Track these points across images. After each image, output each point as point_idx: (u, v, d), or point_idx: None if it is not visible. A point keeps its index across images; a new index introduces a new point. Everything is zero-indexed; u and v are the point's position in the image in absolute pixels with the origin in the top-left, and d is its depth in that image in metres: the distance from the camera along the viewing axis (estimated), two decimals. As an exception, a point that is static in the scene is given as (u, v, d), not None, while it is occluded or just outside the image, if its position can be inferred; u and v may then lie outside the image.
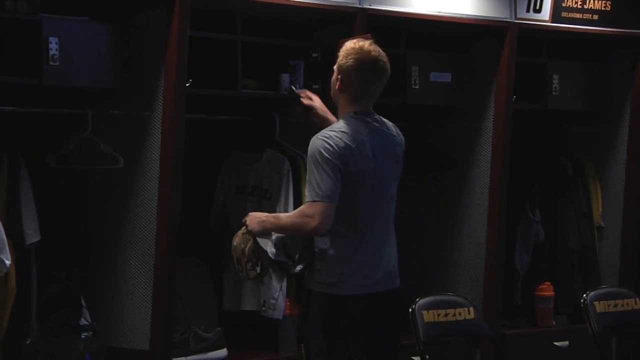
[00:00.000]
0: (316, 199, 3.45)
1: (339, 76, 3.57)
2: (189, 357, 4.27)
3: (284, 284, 4.45)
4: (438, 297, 4.22)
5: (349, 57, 3.55)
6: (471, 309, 4.20)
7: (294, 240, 3.58)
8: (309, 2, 4.43)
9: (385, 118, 3.70)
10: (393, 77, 4.87)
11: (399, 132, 3.74)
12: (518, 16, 5.05)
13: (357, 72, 3.54)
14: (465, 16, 4.90)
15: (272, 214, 3.72)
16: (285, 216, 3.64)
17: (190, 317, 4.37)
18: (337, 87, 3.59)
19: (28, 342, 3.94)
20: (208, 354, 4.31)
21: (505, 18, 5.02)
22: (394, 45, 4.96)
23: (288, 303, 4.48)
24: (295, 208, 4.37)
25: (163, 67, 4.08)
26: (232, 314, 4.59)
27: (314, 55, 4.38)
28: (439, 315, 4.11)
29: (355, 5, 4.54)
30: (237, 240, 3.66)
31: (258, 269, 3.61)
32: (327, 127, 3.63)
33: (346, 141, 3.52)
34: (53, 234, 4.18)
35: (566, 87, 5.38)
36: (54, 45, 3.86)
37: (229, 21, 4.46)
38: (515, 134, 5.18)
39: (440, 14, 4.82)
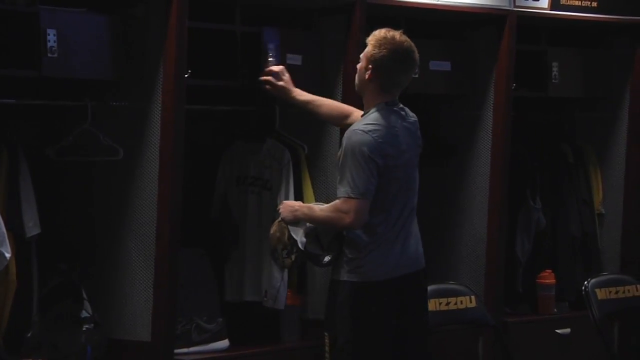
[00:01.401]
0: (352, 195, 3.49)
1: (370, 65, 3.56)
2: (190, 348, 4.27)
3: (285, 274, 4.45)
4: (440, 286, 4.23)
5: (382, 47, 3.56)
6: (473, 297, 4.21)
7: (326, 231, 3.61)
8: (306, -8, 4.42)
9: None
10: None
11: (413, 114, 3.78)
12: (517, 4, 5.04)
13: (391, 62, 3.57)
14: (464, 4, 4.89)
15: (306, 205, 3.77)
16: (319, 209, 3.66)
17: (192, 308, 4.37)
18: (367, 76, 3.60)
19: (30, 335, 3.94)
20: (210, 344, 4.32)
21: (504, 6, 5.01)
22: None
23: (289, 293, 4.48)
24: (295, 199, 4.38)
25: (162, 58, 4.07)
26: (233, 304, 4.59)
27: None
28: (440, 304, 4.12)
29: (354, -5, 4.53)
30: (273, 228, 3.70)
31: (293, 257, 3.64)
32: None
33: (385, 135, 3.56)
34: (54, 226, 4.17)
35: (566, 75, 5.37)
36: (52, 37, 3.85)
37: (228, 11, 4.44)
38: (516, 121, 5.17)
39: (439, 2, 4.80)
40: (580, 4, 5.28)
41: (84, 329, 4.02)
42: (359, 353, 3.54)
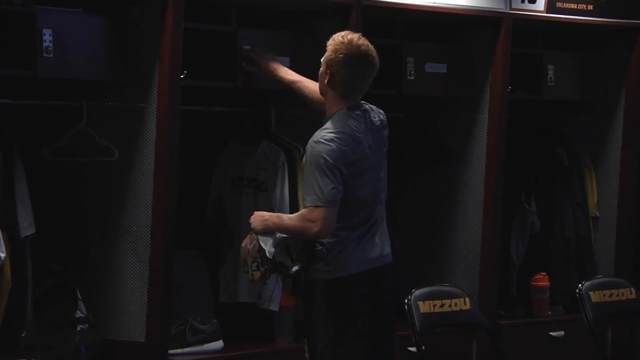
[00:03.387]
0: (318, 204, 3.47)
1: (328, 70, 3.54)
2: (185, 349, 4.27)
3: (280, 275, 4.44)
4: (434, 288, 4.22)
5: (338, 52, 3.52)
6: (467, 299, 4.20)
7: (296, 242, 3.61)
8: (303, -6, 4.42)
9: (381, 109, 3.69)
10: (388, 68, 4.91)
11: (381, 112, 3.73)
12: (513, 7, 5.05)
13: (346, 67, 3.51)
14: (460, 7, 4.89)
15: (276, 214, 3.75)
16: (288, 218, 3.66)
17: (187, 309, 4.37)
18: (325, 81, 3.56)
19: (24, 335, 3.94)
20: (204, 345, 4.32)
21: (500, 9, 5.01)
22: (389, 36, 4.95)
23: (284, 295, 4.48)
24: (290, 200, 4.38)
25: (158, 58, 4.07)
26: (228, 305, 4.59)
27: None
28: (434, 306, 4.12)
29: (350, -3, 4.53)
30: (245, 240, 3.68)
31: (262, 269, 3.62)
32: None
33: (348, 143, 3.52)
34: (49, 226, 4.17)
35: (561, 78, 5.37)
36: (47, 37, 3.84)
37: (224, 12, 4.44)
38: (511, 124, 5.17)
39: (435, 4, 4.81)
40: (576, 7, 5.29)
41: (78, 329, 4.02)
42: (340, 350, 3.54)
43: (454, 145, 5.16)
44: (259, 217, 3.64)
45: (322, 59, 3.59)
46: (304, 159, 3.65)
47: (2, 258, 3.80)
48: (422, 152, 5.16)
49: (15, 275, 3.91)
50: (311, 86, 3.99)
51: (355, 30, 4.46)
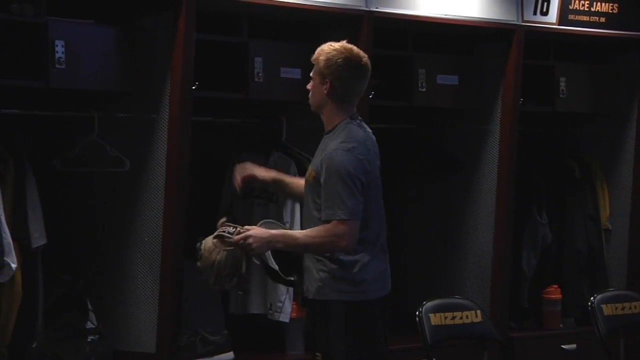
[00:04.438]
0: (344, 217, 3.38)
1: (327, 80, 3.48)
2: (195, 360, 4.27)
3: (291, 287, 4.44)
4: (445, 300, 4.20)
5: (335, 58, 3.48)
6: (478, 311, 4.18)
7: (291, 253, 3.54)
8: (315, 5, 4.42)
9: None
10: (399, 80, 4.93)
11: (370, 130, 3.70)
12: (525, 19, 5.04)
13: (347, 70, 3.48)
14: (472, 19, 4.89)
15: (280, 232, 3.53)
16: (302, 235, 3.47)
17: (197, 320, 4.36)
18: (325, 91, 3.49)
19: (34, 346, 3.94)
20: (214, 357, 4.31)
21: (512, 21, 5.01)
22: (400, 48, 4.96)
23: (295, 306, 4.47)
24: (301, 211, 4.36)
25: (169, 69, 4.08)
26: (238, 317, 4.58)
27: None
28: (446, 318, 4.09)
29: (361, 8, 4.54)
30: (220, 255, 3.52)
31: (235, 280, 3.53)
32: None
33: (363, 152, 3.49)
34: (60, 237, 4.18)
35: (573, 90, 5.36)
36: (60, 48, 3.86)
37: (235, 23, 4.45)
38: (523, 136, 5.16)
39: (447, 16, 4.81)
40: (588, 19, 5.28)
41: (89, 340, 4.02)
42: None
43: (465, 157, 5.15)
44: (261, 240, 3.45)
45: (312, 74, 3.52)
46: (309, 171, 3.57)
47: (14, 268, 3.80)
48: (432, 164, 5.15)
49: (26, 285, 3.92)
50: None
51: (366, 42, 4.50)
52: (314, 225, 3.48)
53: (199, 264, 3.58)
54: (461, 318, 4.12)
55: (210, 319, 4.43)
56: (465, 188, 5.14)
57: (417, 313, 4.05)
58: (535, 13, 5.08)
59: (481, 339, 4.21)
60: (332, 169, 3.43)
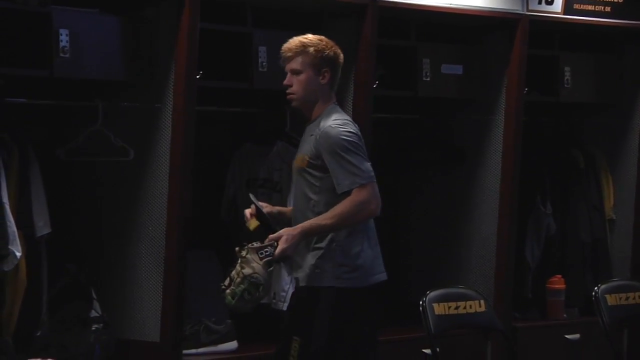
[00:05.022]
0: (363, 182, 3.42)
1: (325, 69, 3.54)
2: (199, 350, 4.28)
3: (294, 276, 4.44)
4: (449, 290, 4.20)
5: (328, 49, 3.56)
6: (482, 301, 4.19)
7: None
8: (319, -5, 4.42)
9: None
10: (404, 70, 4.92)
11: None
12: (530, 8, 5.03)
13: (339, 60, 3.59)
14: (476, 8, 4.88)
15: (308, 225, 3.47)
16: (332, 216, 3.43)
17: (201, 310, 4.37)
18: (324, 82, 3.54)
19: (39, 334, 3.95)
20: (218, 346, 4.32)
21: (516, 10, 5.00)
22: (404, 37, 4.95)
23: (298, 295, 4.47)
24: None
25: (173, 59, 4.08)
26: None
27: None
28: (449, 307, 4.10)
29: (366, -2, 4.53)
30: (250, 267, 3.46)
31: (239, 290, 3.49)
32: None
33: (357, 130, 3.56)
34: (64, 226, 4.18)
35: (578, 79, 5.35)
36: (64, 37, 3.86)
37: (240, 13, 4.45)
38: (527, 126, 5.16)
39: (451, 5, 4.79)
40: (593, 8, 5.26)
41: (93, 328, 4.02)
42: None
43: (469, 146, 5.14)
44: (290, 241, 3.43)
45: (299, 66, 3.52)
46: (299, 158, 3.56)
47: (18, 257, 3.81)
48: (436, 154, 5.14)
49: (30, 274, 3.92)
50: None
51: (370, 31, 4.49)
52: (310, 216, 3.48)
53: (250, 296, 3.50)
54: (465, 308, 4.13)
55: (214, 309, 4.44)
56: (469, 178, 5.13)
57: (420, 303, 4.05)
58: (540, 2, 5.07)
59: (485, 328, 4.22)
60: (332, 141, 3.47)
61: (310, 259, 3.51)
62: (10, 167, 3.90)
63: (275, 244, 3.47)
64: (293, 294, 3.69)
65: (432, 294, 4.09)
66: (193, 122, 4.11)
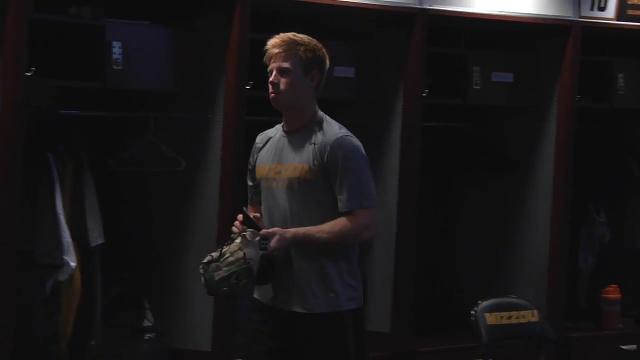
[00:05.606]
0: (367, 205, 3.13)
1: (315, 70, 3.17)
2: (250, 359, 4.28)
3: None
4: (501, 300, 4.17)
5: (318, 49, 3.19)
6: (535, 311, 4.14)
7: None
8: (368, 3, 4.41)
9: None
10: (453, 78, 4.89)
11: None
12: (582, 14, 4.98)
13: (327, 63, 3.23)
14: (528, 15, 4.84)
15: (302, 231, 3.13)
16: (328, 231, 3.11)
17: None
18: (313, 83, 3.18)
19: (93, 344, 3.99)
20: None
21: (568, 16, 4.95)
22: (454, 45, 4.93)
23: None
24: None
25: (224, 69, 4.10)
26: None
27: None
28: (502, 317, 4.06)
29: (415, 6, 4.51)
30: (240, 252, 3.07)
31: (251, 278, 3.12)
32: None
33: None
34: (117, 236, 4.23)
35: (631, 86, 5.28)
36: (117, 49, 3.91)
37: (289, 23, 4.46)
38: (580, 133, 5.10)
39: (502, 13, 4.76)
40: (647, 14, 5.19)
41: (146, 338, 4.06)
42: None
43: (521, 154, 5.10)
44: (282, 244, 3.11)
45: (288, 65, 3.15)
46: (300, 170, 3.16)
47: (73, 267, 3.86)
48: (488, 163, 5.11)
49: (84, 284, 3.97)
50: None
51: (419, 40, 4.48)
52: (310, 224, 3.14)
53: (222, 264, 3.10)
54: (517, 317, 4.09)
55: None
56: (521, 186, 5.08)
57: (472, 312, 4.02)
58: (592, 9, 5.01)
59: (538, 339, 4.17)
60: (348, 154, 3.14)
61: (321, 282, 3.14)
62: (65, 178, 3.96)
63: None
64: (279, 324, 3.19)
65: (484, 304, 4.06)
66: (243, 132, 4.13)
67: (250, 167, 3.34)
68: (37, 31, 3.72)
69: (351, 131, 3.21)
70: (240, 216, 3.20)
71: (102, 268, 4.10)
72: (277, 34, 4.42)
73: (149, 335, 4.06)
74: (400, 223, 4.56)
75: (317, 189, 3.17)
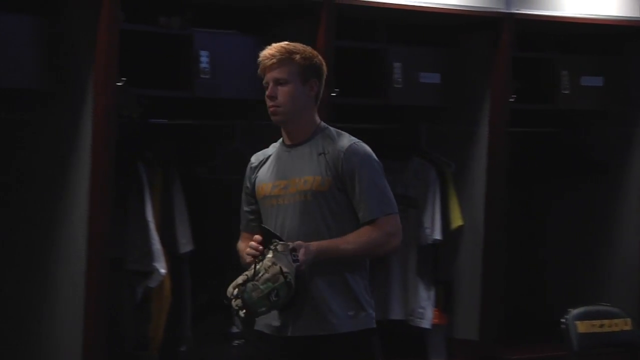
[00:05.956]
0: (390, 211, 2.95)
1: (314, 80, 3.00)
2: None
3: (432, 292, 4.41)
4: (592, 308, 4.10)
5: (316, 57, 3.03)
6: (628, 320, 4.06)
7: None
8: (452, 8, 4.38)
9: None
10: (542, 82, 4.83)
11: None
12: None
13: (324, 71, 3.06)
14: (615, 18, 4.75)
15: (326, 244, 2.93)
16: (353, 241, 2.93)
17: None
18: (312, 94, 3.01)
19: (183, 350, 4.03)
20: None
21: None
22: (541, 49, 4.86)
23: (436, 312, 4.44)
24: (442, 217, 4.31)
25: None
26: (378, 323, 4.55)
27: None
28: (593, 326, 3.99)
29: (502, 10, 4.47)
30: (284, 265, 2.85)
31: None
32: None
33: None
34: (204, 242, 4.26)
35: None
36: (204, 58, 3.95)
37: (371, 29, 4.46)
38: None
39: (591, 16, 4.68)
40: None
41: (234, 344, 4.08)
42: None
43: (610, 159, 5.00)
44: (308, 256, 2.89)
45: (286, 76, 2.98)
46: (314, 181, 2.96)
47: (163, 274, 3.90)
48: (577, 167, 5.03)
49: (174, 290, 4.01)
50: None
51: (506, 44, 4.43)
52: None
53: (258, 283, 2.89)
54: (610, 326, 4.02)
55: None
56: (610, 191, 4.99)
57: (563, 320, 3.96)
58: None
59: (631, 348, 4.09)
60: (365, 162, 2.97)
61: (342, 300, 2.96)
62: (155, 186, 4.01)
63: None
64: (295, 354, 2.96)
65: (575, 312, 3.99)
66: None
67: (247, 190, 3.08)
68: (128, 41, 3.78)
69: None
70: (257, 237, 2.96)
71: (191, 274, 4.14)
72: (362, 40, 4.46)
73: (237, 342, 4.08)
74: (487, 230, 4.51)
75: (332, 201, 2.96)
